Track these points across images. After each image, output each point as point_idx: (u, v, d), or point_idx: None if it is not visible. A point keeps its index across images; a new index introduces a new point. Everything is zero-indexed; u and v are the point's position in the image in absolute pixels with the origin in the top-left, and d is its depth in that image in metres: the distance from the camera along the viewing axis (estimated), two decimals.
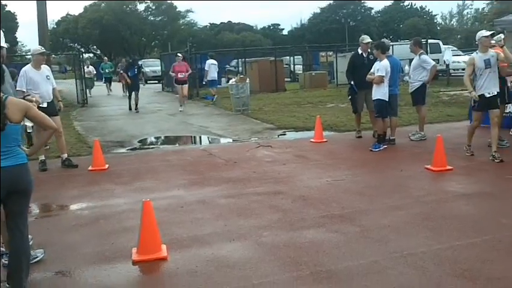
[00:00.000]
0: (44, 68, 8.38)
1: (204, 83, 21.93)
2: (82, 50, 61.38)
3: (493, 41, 8.06)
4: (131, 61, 19.94)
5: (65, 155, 8.77)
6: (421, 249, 4.53)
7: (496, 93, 7.86)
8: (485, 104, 7.86)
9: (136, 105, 17.68)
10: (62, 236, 5.37)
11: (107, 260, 4.63)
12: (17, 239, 3.91)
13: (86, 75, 23.88)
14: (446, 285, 3.86)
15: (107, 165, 8.51)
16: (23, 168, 3.85)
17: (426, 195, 6.32)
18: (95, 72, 26.99)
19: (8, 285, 3.88)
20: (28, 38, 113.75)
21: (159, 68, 31.69)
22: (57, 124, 8.42)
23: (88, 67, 25.42)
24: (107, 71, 27.40)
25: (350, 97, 10.51)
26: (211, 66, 20.59)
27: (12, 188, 3.78)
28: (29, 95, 6.30)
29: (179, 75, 17.23)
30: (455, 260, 4.30)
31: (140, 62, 40.86)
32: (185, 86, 17.51)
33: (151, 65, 37.02)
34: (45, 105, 7.87)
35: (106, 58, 29.48)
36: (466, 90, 8.52)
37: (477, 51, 7.96)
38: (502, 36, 8.51)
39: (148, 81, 33.91)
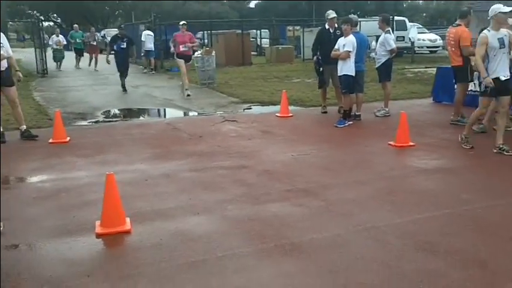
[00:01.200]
0: None
1: (142, 54, 22.37)
2: (42, 18, 59.41)
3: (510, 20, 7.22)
4: (118, 31, 15.85)
5: (24, 127, 8.52)
6: (384, 223, 4.61)
7: (509, 76, 6.99)
8: (499, 89, 6.86)
9: (123, 85, 15.06)
10: (22, 209, 5.24)
11: (69, 233, 4.54)
12: None
13: (54, 46, 22.13)
14: (407, 257, 3.94)
15: (68, 138, 8.32)
16: None
17: (389, 170, 6.42)
18: (65, 42, 23.18)
19: None
20: None
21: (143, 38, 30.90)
22: (12, 95, 8.19)
23: (57, 36, 22.44)
24: (78, 40, 23.61)
25: (319, 70, 10.44)
26: (147, 37, 21.47)
27: None
28: None
29: (182, 48, 13.48)
30: (416, 233, 4.39)
31: (103, 32, 39.95)
32: (189, 64, 14.02)
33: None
34: None
35: (76, 26, 24.95)
36: (430, 67, 8.62)
37: (488, 28, 7.00)
38: None
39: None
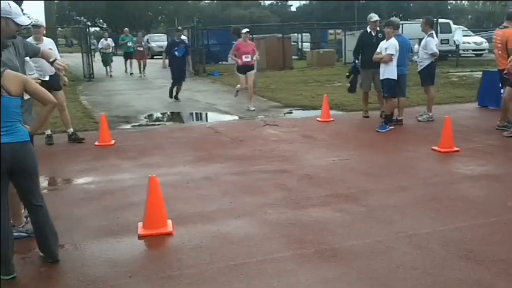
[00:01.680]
0: (47, 40, 8.10)
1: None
2: (88, 23, 61.01)
3: None
4: (176, 35, 14.25)
5: (71, 130, 8.78)
6: (426, 230, 4.54)
7: None
8: None
9: (177, 93, 14.00)
10: (68, 209, 5.41)
11: (113, 234, 4.66)
12: (34, 213, 4.01)
13: (104, 50, 22.15)
14: (450, 265, 3.87)
15: (113, 141, 8.53)
16: (24, 147, 3.74)
17: (433, 176, 6.31)
18: (113, 45, 23.23)
19: (41, 254, 4.12)
20: (34, 10, 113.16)
21: (165, 43, 31.50)
22: (60, 99, 8.40)
23: (106, 39, 22.55)
24: (129, 44, 22.74)
25: (350, 75, 10.41)
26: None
27: (14, 167, 3.71)
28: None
29: (245, 59, 11.79)
30: (459, 241, 4.30)
31: (146, 37, 40.69)
32: (252, 73, 12.11)
33: (158, 40, 36.83)
34: (47, 78, 7.68)
35: (126, 29, 24.34)
36: (476, 71, 8.44)
37: None
38: None
39: (155, 56, 33.84)
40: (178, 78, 13.86)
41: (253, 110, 11.72)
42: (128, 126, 10.54)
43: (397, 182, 6.09)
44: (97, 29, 67.79)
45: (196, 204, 5.41)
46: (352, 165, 6.91)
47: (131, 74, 22.65)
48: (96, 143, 8.45)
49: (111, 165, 7.24)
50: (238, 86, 12.27)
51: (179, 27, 15.76)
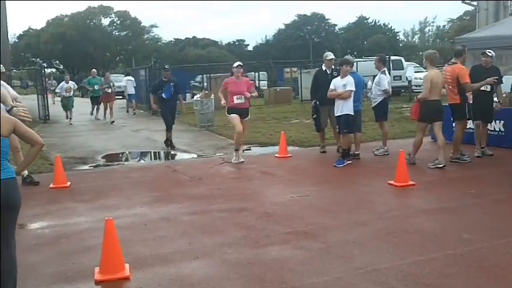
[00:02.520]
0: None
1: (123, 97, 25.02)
2: (44, 64, 60.36)
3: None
4: (164, 74, 12.44)
5: (26, 172, 8.53)
6: (385, 265, 4.57)
7: None
8: None
9: (171, 141, 12.28)
10: (22, 255, 5.16)
11: (68, 280, 4.51)
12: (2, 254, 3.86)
13: (64, 93, 19.42)
14: None
15: (69, 183, 8.34)
16: (12, 183, 3.83)
17: (390, 210, 6.39)
18: (75, 87, 21.10)
19: None
20: None
21: (123, 83, 31.37)
22: (13, 141, 8.20)
23: (67, 82, 19.73)
24: (96, 87, 19.86)
25: (314, 116, 10.56)
26: (128, 82, 23.59)
27: (3, 203, 3.72)
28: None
29: (237, 100, 9.82)
30: (417, 275, 4.34)
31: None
32: (247, 120, 10.28)
33: (116, 81, 36.69)
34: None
35: (94, 71, 21.42)
36: None
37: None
38: None
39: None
40: (170, 121, 12.23)
41: (242, 162, 9.82)
42: (85, 167, 10.33)
43: (355, 217, 6.14)
44: (53, 70, 67.12)
45: (154, 246, 5.30)
46: (311, 202, 6.94)
47: (97, 119, 20.06)
48: (51, 186, 8.24)
49: (66, 209, 7.05)
50: (235, 136, 10.01)
51: (166, 66, 13.98)
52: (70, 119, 19.18)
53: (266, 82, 33.17)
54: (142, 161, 11.52)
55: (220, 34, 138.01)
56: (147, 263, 4.84)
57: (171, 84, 11.99)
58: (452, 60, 9.10)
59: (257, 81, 32.95)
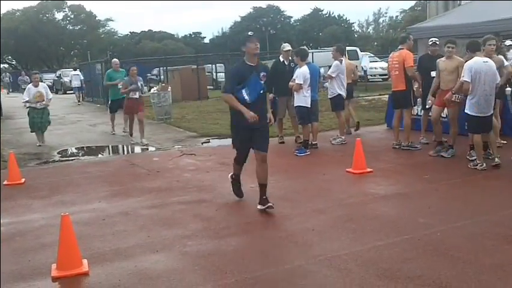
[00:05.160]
0: None
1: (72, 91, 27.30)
2: None
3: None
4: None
5: None
6: (344, 251, 4.63)
7: None
8: None
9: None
10: None
11: (24, 278, 4.39)
12: None
13: (35, 104, 11.81)
14: (368, 285, 3.95)
15: (23, 179, 8.11)
16: None
17: (348, 197, 6.48)
18: (50, 96, 12.43)
19: None
20: None
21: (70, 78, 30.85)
22: None
23: (35, 86, 11.99)
24: (119, 86, 12.26)
25: (272, 110, 10.53)
26: (74, 76, 26.47)
27: None
28: None
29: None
30: (377, 260, 4.42)
31: (59, 72, 39.54)
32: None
33: (66, 75, 36.00)
34: None
35: (116, 60, 14.60)
36: (384, 94, 8.86)
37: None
38: None
39: (68, 92, 32.90)
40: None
41: None
42: (40, 163, 10.06)
43: (314, 205, 6.19)
44: (6, 65, 65.08)
45: (112, 241, 5.21)
46: (270, 191, 6.91)
47: (124, 132, 13.24)
48: (5, 182, 7.99)
49: (21, 206, 6.85)
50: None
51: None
52: (42, 143, 12.06)
53: (223, 74, 33.04)
54: (99, 156, 11.29)
55: (176, 27, 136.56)
56: (106, 258, 4.76)
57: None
58: (399, 47, 9.28)
59: (215, 74, 32.86)
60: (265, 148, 6.10)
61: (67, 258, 4.36)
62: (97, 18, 67.79)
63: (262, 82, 6.00)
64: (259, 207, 5.98)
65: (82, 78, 26.17)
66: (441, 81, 8.26)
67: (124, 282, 4.20)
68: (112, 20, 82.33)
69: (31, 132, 12.14)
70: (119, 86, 12.11)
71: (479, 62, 7.25)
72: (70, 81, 27.07)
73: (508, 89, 9.15)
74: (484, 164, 7.41)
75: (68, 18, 66.78)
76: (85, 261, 4.49)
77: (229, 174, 6.72)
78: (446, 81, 8.16)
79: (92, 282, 4.25)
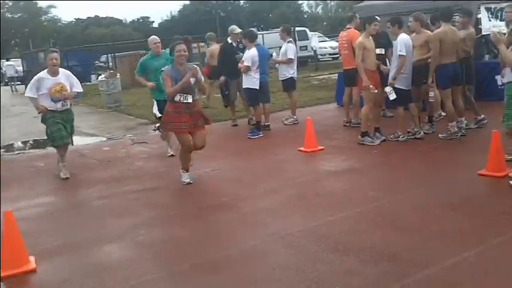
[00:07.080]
0: None
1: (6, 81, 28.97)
2: None
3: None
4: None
5: None
6: (298, 228, 4.65)
7: None
8: None
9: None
10: None
11: None
12: None
13: (57, 105, 7.37)
14: (322, 260, 3.99)
15: None
16: None
17: (301, 176, 6.51)
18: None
19: None
20: None
21: (21, 68, 29.70)
22: None
23: (54, 74, 7.39)
24: (161, 81, 7.18)
25: (226, 92, 10.47)
26: (8, 67, 28.93)
27: None
28: None
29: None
30: (329, 235, 4.46)
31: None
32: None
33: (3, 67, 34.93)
34: None
35: (155, 39, 9.05)
36: (334, 73, 8.90)
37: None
38: None
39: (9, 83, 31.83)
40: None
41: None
42: None
43: (268, 185, 6.19)
44: None
45: (62, 235, 5.07)
46: (223, 174, 6.93)
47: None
48: None
49: None
50: None
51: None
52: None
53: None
54: (46, 149, 10.93)
55: (124, 12, 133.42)
56: (56, 252, 4.62)
57: None
58: (347, 27, 9.32)
59: None
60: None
61: (12, 256, 4.18)
62: (38, 6, 65.62)
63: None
64: None
65: (17, 68, 28.74)
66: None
67: (74, 276, 4.09)
68: (55, 7, 79.97)
69: (54, 146, 7.71)
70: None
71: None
72: (5, 71, 29.22)
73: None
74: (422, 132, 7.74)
75: (6, 6, 64.24)
76: (32, 258, 4.33)
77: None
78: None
79: (41, 279, 4.12)
